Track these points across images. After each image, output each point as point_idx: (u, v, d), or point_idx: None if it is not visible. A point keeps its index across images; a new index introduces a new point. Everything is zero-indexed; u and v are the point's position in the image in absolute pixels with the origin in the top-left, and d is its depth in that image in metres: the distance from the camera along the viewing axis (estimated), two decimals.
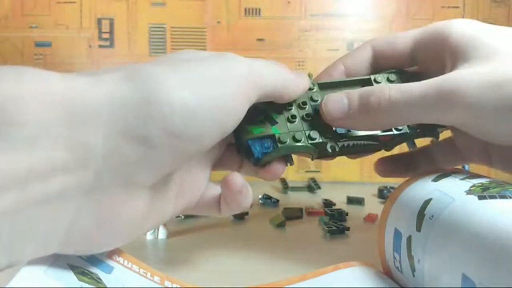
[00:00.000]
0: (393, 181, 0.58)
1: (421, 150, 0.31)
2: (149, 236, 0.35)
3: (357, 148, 0.27)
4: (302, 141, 0.25)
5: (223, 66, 0.20)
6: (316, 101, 0.26)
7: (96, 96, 0.16)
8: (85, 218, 0.17)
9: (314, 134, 0.25)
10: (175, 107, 0.17)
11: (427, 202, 0.21)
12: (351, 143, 0.26)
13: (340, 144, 0.26)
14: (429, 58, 0.26)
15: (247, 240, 0.35)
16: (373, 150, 0.28)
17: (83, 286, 0.19)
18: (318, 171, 0.60)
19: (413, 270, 0.21)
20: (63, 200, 0.16)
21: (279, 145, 0.25)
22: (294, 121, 0.26)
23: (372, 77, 0.27)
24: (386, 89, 0.23)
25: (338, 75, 0.28)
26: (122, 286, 0.21)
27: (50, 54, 0.59)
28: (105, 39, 0.59)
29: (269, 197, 0.47)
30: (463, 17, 0.59)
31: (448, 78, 0.21)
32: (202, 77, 0.18)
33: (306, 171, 0.60)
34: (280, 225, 0.38)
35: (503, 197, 0.18)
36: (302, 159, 0.60)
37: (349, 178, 0.60)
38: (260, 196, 0.47)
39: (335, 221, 0.38)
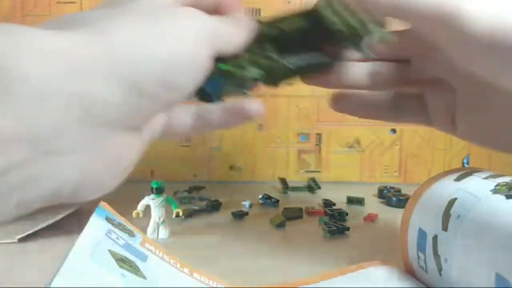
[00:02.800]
0: (393, 181, 0.58)
1: (386, 95, 0.30)
2: (149, 236, 0.35)
3: (311, 68, 0.27)
4: (247, 68, 0.25)
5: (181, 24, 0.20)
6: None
7: (93, 49, 0.17)
8: (94, 165, 0.18)
9: (265, 58, 0.26)
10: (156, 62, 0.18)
11: (452, 201, 0.21)
12: (303, 62, 0.26)
13: (292, 61, 0.26)
14: None
15: (247, 240, 0.35)
16: (325, 67, 0.27)
17: (124, 273, 0.19)
18: (318, 171, 0.60)
19: (440, 269, 0.21)
20: (71, 152, 0.17)
21: (225, 77, 0.25)
22: (246, 55, 0.25)
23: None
24: None
25: None
26: (157, 278, 0.21)
27: None
28: None
29: (269, 197, 0.47)
30: None
31: (462, 9, 0.19)
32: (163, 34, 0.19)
33: (306, 171, 0.60)
34: (280, 225, 0.38)
35: None
36: (303, 159, 0.60)
37: (349, 178, 0.60)
38: (260, 196, 0.47)
39: (335, 221, 0.38)
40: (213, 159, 0.60)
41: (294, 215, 0.41)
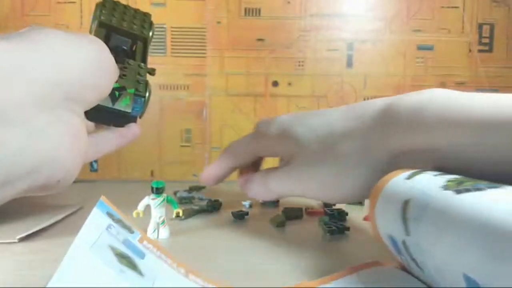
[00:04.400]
0: None
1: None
2: (150, 236, 0.35)
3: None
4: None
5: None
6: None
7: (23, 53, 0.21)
8: (64, 143, 0.22)
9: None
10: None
11: (406, 203, 0.21)
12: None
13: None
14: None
15: (247, 240, 0.35)
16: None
17: (123, 269, 0.20)
18: None
19: (421, 269, 0.21)
20: (41, 131, 0.21)
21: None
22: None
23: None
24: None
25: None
26: (154, 277, 0.22)
27: None
28: None
29: None
30: (463, 18, 0.59)
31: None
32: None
33: None
34: (280, 225, 0.38)
35: (478, 189, 0.18)
36: None
37: None
38: None
39: (335, 221, 0.38)
40: (213, 159, 0.60)
41: (294, 215, 0.41)
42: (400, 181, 0.23)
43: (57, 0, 0.59)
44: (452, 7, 0.60)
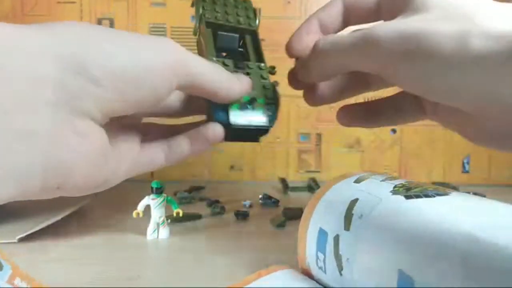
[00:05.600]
0: None
1: (387, 100, 0.31)
2: (149, 236, 0.35)
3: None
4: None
5: (157, 42, 0.22)
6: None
7: (43, 36, 0.18)
8: (56, 150, 0.19)
9: None
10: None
11: (354, 202, 0.22)
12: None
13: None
14: (389, 10, 0.26)
15: (247, 240, 0.34)
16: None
17: None
18: (318, 171, 0.60)
19: (341, 269, 0.21)
20: (30, 133, 0.18)
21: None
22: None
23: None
24: (319, 40, 0.25)
25: (314, 30, 0.29)
26: None
27: None
28: None
29: (269, 197, 0.47)
30: None
31: (373, 28, 0.23)
32: (139, 41, 0.21)
33: (306, 171, 0.60)
34: (281, 225, 0.38)
35: (427, 196, 0.20)
36: (303, 159, 0.60)
37: None
38: (260, 196, 0.47)
39: None
40: (213, 159, 0.60)
41: (294, 215, 0.41)
42: (349, 184, 0.24)
43: (57, 0, 0.59)
44: None
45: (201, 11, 0.30)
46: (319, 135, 0.60)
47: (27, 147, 0.18)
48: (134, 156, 0.24)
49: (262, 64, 0.29)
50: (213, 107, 0.25)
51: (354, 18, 0.28)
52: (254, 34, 0.31)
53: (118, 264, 0.30)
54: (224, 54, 0.29)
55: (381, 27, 0.22)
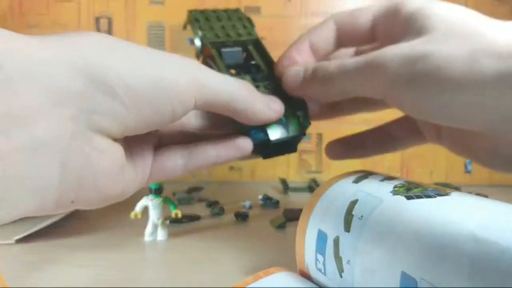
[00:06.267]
0: None
1: (379, 130, 0.31)
2: (148, 237, 0.34)
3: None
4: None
5: (179, 61, 0.21)
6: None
7: (64, 48, 0.18)
8: (74, 163, 0.18)
9: None
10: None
11: (353, 203, 0.22)
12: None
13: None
14: (386, 33, 0.25)
15: (247, 241, 0.34)
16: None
17: None
18: (319, 172, 0.60)
19: (341, 271, 0.21)
20: (49, 146, 0.17)
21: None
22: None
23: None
24: (327, 64, 0.25)
25: (304, 50, 0.28)
26: None
27: None
28: None
29: (270, 198, 0.46)
30: None
31: (379, 52, 0.22)
32: (158, 59, 0.20)
33: (307, 172, 0.60)
34: (281, 226, 0.38)
35: (428, 196, 0.19)
36: (303, 159, 0.60)
37: None
38: (260, 197, 0.47)
39: None
40: None
41: (294, 216, 0.41)
42: (347, 184, 0.24)
43: None
44: None
45: (200, 33, 0.29)
46: (319, 135, 0.59)
47: (45, 160, 0.17)
48: (149, 165, 0.24)
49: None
50: (247, 128, 0.25)
51: (346, 41, 0.28)
52: (256, 42, 0.30)
53: (116, 265, 0.30)
54: (232, 71, 0.28)
55: (387, 52, 0.22)
